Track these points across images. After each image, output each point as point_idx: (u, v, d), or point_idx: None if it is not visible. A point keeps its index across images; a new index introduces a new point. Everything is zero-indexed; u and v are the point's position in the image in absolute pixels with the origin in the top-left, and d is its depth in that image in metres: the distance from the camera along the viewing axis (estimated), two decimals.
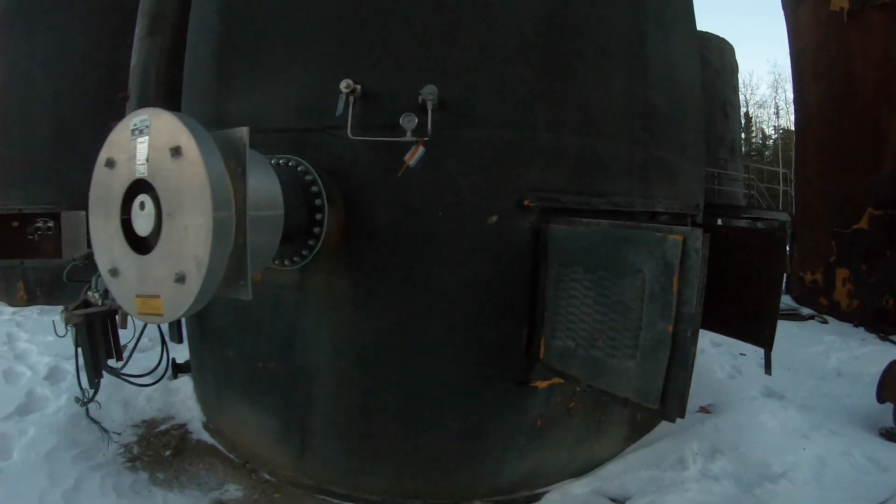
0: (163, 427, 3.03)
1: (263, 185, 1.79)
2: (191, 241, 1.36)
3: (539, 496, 2.42)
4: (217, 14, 2.49)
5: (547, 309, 2.13)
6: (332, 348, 2.25)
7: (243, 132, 1.49)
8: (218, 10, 2.48)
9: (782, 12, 7.18)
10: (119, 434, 2.78)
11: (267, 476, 2.56)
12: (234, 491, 2.44)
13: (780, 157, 22.64)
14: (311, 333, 2.27)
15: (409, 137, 1.92)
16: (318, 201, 2.01)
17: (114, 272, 1.62)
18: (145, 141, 1.45)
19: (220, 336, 2.65)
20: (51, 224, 6.13)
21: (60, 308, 2.76)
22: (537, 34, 2.09)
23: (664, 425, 2.77)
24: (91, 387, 2.72)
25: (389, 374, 2.23)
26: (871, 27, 5.33)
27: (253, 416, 2.58)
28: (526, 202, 2.10)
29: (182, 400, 3.29)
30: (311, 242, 2.05)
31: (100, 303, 2.54)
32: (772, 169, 17.97)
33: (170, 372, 3.24)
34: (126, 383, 3.15)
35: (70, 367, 3.51)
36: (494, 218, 2.10)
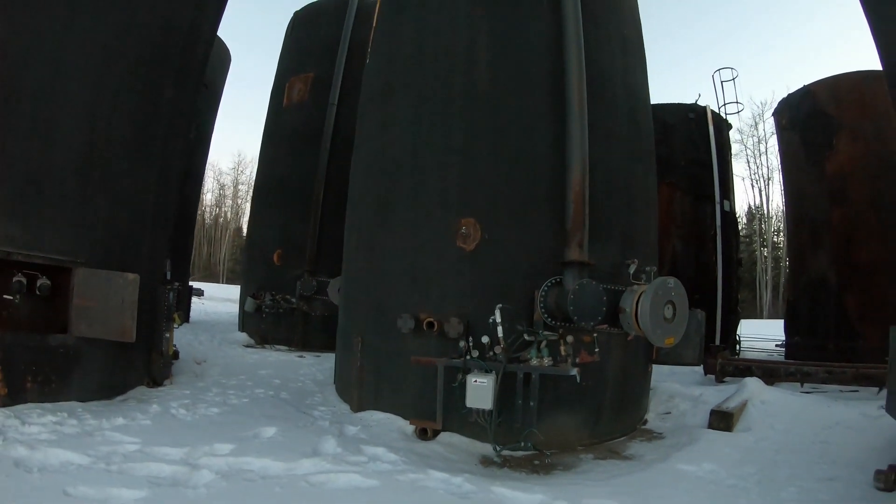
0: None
1: None
2: (679, 323, 5.14)
3: (646, 420, 6.70)
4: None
5: None
6: (616, 366, 5.88)
7: (672, 282, 5.38)
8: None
9: None
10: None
11: (580, 448, 5.67)
12: (591, 458, 5.37)
13: None
14: (612, 361, 5.83)
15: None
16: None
17: (661, 331, 5.01)
18: (668, 293, 5.08)
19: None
20: (47, 282, 5.26)
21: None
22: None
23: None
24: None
25: (628, 373, 6.11)
26: (661, 193, 12.09)
27: (570, 415, 5.64)
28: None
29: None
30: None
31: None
32: None
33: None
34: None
35: None
36: None
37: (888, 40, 4.13)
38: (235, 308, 19.71)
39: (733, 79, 12.80)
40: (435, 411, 5.33)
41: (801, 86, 12.06)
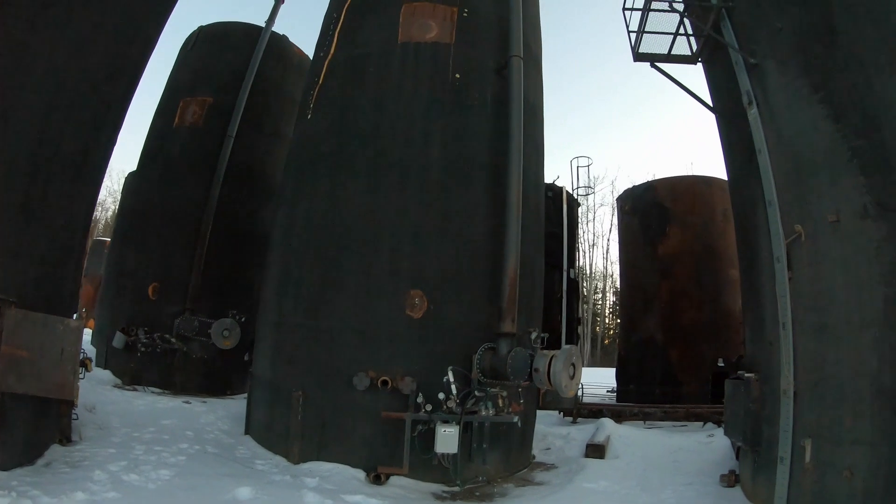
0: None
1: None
2: (577, 379, 7.34)
3: (534, 455, 8.83)
4: None
5: None
6: (521, 413, 7.87)
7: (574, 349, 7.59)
8: None
9: None
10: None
11: (499, 479, 7.46)
12: (512, 486, 7.26)
13: None
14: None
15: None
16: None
17: (566, 385, 7.10)
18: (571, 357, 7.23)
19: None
20: None
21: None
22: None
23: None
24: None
25: (527, 418, 8.18)
26: None
27: (494, 454, 7.41)
28: None
29: None
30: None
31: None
32: None
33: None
34: None
35: None
36: None
37: (732, 162, 6.85)
38: None
39: (588, 165, 16.44)
40: (390, 458, 6.64)
41: (642, 178, 16.28)
